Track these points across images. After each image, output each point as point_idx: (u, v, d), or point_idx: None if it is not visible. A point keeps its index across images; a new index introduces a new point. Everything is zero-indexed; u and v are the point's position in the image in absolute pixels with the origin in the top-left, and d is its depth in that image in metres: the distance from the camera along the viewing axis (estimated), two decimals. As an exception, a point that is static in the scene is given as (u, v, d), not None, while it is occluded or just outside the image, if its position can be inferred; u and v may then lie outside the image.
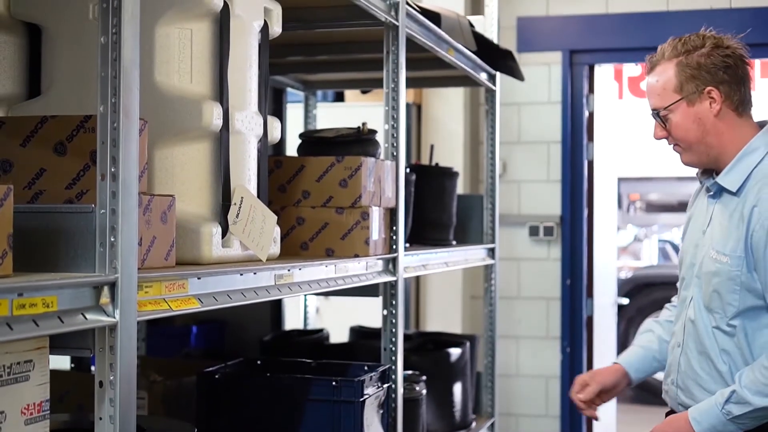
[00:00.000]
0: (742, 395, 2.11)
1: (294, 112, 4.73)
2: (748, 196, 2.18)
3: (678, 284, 2.42)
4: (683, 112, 2.24)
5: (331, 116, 5.02)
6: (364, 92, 5.34)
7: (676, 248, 15.21)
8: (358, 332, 4.23)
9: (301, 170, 2.70)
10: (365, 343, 3.89)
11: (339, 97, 5.73)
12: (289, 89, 4.55)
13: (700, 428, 2.16)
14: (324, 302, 5.23)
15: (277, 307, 4.36)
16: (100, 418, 1.57)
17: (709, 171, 2.32)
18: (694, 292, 2.29)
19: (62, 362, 3.38)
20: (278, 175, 2.70)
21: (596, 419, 2.54)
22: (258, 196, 2.27)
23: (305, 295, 4.47)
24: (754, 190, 2.17)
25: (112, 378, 1.57)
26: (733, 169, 2.22)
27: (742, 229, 2.16)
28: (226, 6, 2.10)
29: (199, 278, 1.85)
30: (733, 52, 2.22)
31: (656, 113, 2.29)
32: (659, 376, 2.45)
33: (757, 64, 10.24)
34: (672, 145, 2.33)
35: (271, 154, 3.86)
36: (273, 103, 4.39)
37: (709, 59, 2.21)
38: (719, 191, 2.26)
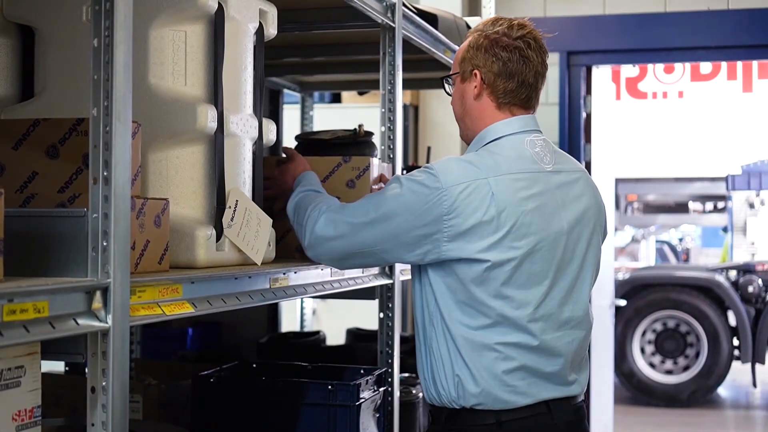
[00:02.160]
0: (309, 200, 2.28)
1: (290, 114, 4.72)
2: None
3: None
4: (457, 86, 2.26)
5: (328, 118, 5.01)
6: (361, 94, 5.33)
7: (673, 249, 15.23)
8: (354, 334, 4.21)
9: None
10: (362, 345, 3.88)
11: (336, 99, 5.72)
12: (285, 91, 4.54)
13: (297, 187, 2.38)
14: (321, 304, 5.21)
15: (273, 309, 4.35)
16: (93, 425, 1.56)
17: None
18: None
19: (56, 364, 3.37)
20: None
21: None
22: (253, 199, 2.26)
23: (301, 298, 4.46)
24: None
25: (104, 384, 1.55)
26: (467, 151, 2.24)
27: None
28: (220, 8, 2.09)
29: (193, 282, 1.83)
30: (515, 46, 2.16)
31: (443, 79, 2.34)
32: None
33: (754, 65, 10.26)
34: None
35: (267, 156, 3.85)
36: (269, 105, 4.37)
37: (489, 44, 2.18)
38: None
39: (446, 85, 2.34)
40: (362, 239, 2.13)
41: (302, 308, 4.70)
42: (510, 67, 2.16)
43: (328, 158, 2.64)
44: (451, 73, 2.29)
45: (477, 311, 2.07)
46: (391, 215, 2.09)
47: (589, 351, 5.79)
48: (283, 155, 2.59)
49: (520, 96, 2.19)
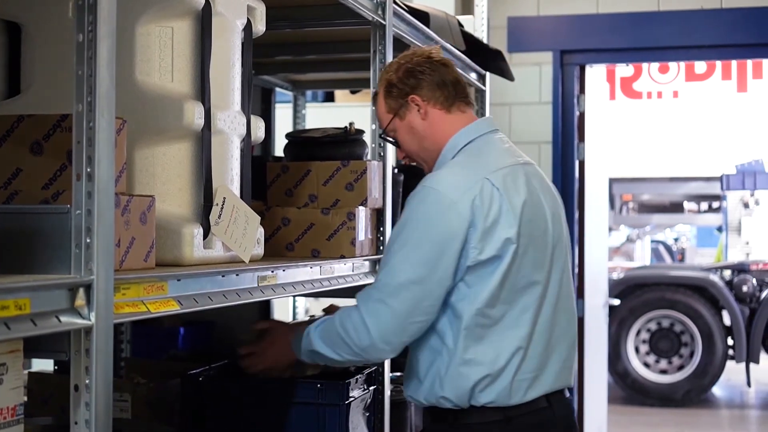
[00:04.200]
0: (313, 334, 2.24)
1: (283, 113, 4.71)
2: None
3: None
4: (400, 127, 2.33)
5: (321, 117, 4.99)
6: (353, 92, 5.32)
7: (668, 249, 15.24)
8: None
9: (307, 174, 2.73)
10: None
11: (329, 98, 5.71)
12: (278, 89, 4.52)
13: (294, 345, 2.31)
14: (313, 303, 5.20)
15: (265, 308, 4.33)
16: (76, 423, 1.54)
17: None
18: None
19: (46, 364, 3.35)
20: (285, 180, 2.74)
21: None
22: (241, 197, 2.24)
23: (293, 297, 4.44)
24: None
25: (87, 382, 1.54)
26: (437, 166, 2.29)
27: None
28: (207, 4, 2.07)
29: (178, 280, 1.81)
30: (424, 59, 2.30)
31: (383, 137, 2.41)
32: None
33: (749, 65, 10.26)
34: (414, 163, 2.41)
35: (258, 155, 3.85)
36: (261, 104, 4.36)
37: (402, 74, 2.30)
38: None
39: (390, 142, 2.40)
40: (407, 296, 2.11)
41: (294, 307, 4.68)
42: (435, 74, 2.29)
43: (328, 163, 2.72)
44: (386, 125, 2.34)
45: (508, 304, 2.14)
46: (422, 257, 2.09)
47: (583, 350, 5.76)
48: (257, 328, 2.57)
49: (459, 93, 2.31)
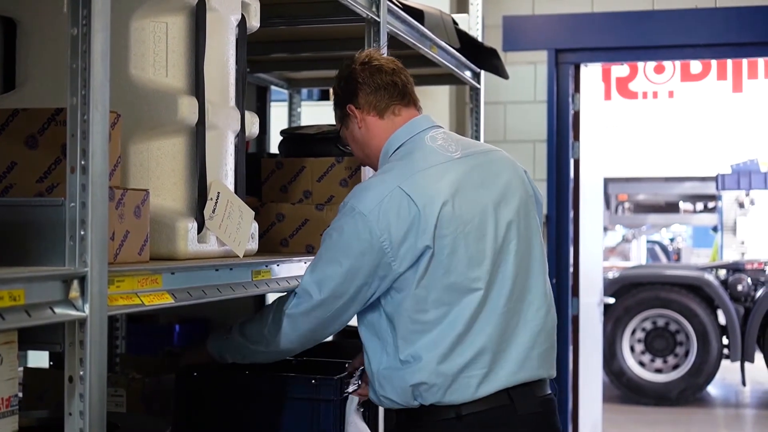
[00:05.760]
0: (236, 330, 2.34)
1: (278, 111, 4.72)
2: None
3: None
4: (346, 135, 2.38)
5: (316, 115, 4.98)
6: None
7: (664, 249, 15.27)
8: (343, 330, 4.20)
9: (302, 171, 2.75)
10: (350, 341, 3.87)
11: (324, 96, 5.72)
12: (273, 88, 4.53)
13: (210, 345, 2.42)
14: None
15: (261, 304, 4.34)
16: (70, 414, 1.55)
17: None
18: None
19: (41, 361, 3.36)
20: (279, 176, 2.77)
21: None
22: (235, 192, 2.25)
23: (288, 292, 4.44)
24: None
25: (82, 373, 1.55)
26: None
27: None
28: (202, -1, 2.09)
29: (172, 273, 1.82)
30: (359, 66, 2.32)
31: (339, 147, 2.46)
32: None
33: (744, 66, 10.29)
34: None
35: (253, 151, 3.86)
36: (256, 102, 4.37)
37: (338, 84, 2.36)
38: None
39: (346, 152, 2.48)
40: (330, 309, 2.21)
41: (290, 305, 4.68)
42: (370, 80, 2.29)
43: (322, 159, 2.73)
44: (339, 135, 2.40)
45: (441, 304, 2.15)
46: (338, 271, 2.15)
47: (578, 349, 5.76)
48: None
49: (394, 96, 2.30)
